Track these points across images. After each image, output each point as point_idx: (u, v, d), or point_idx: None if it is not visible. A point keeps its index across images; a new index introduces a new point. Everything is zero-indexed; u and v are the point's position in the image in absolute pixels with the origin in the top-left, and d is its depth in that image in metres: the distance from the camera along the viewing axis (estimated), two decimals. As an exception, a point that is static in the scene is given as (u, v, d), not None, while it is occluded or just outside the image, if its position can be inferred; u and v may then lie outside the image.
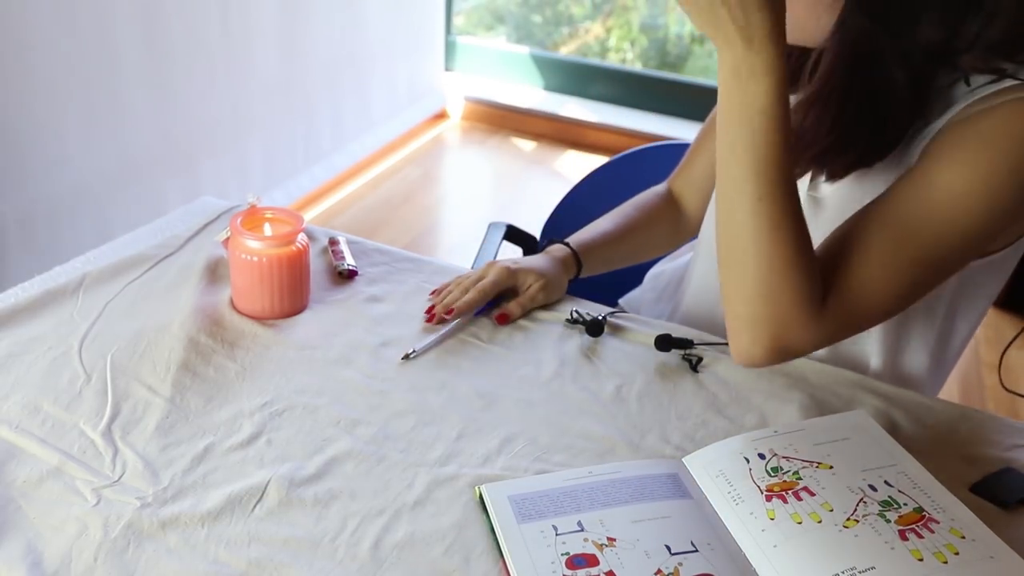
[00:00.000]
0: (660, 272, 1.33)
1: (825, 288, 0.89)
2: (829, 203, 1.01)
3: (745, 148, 0.86)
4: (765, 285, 0.86)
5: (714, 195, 0.94)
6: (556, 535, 0.75)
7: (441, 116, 3.71)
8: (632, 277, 1.38)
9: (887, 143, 0.93)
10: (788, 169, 0.86)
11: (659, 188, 1.28)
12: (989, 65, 0.88)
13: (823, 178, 0.99)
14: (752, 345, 0.88)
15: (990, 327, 2.57)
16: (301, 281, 1.03)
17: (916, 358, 1.05)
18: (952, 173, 0.87)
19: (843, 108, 0.91)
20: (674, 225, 1.27)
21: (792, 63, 1.04)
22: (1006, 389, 1.06)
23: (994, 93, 0.88)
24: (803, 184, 1.03)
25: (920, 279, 0.89)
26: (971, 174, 0.86)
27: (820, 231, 1.01)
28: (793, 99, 1.04)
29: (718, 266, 0.92)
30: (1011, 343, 1.06)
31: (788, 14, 0.93)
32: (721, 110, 0.87)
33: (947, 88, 0.92)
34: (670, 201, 1.27)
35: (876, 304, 0.90)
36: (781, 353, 0.89)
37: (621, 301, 1.36)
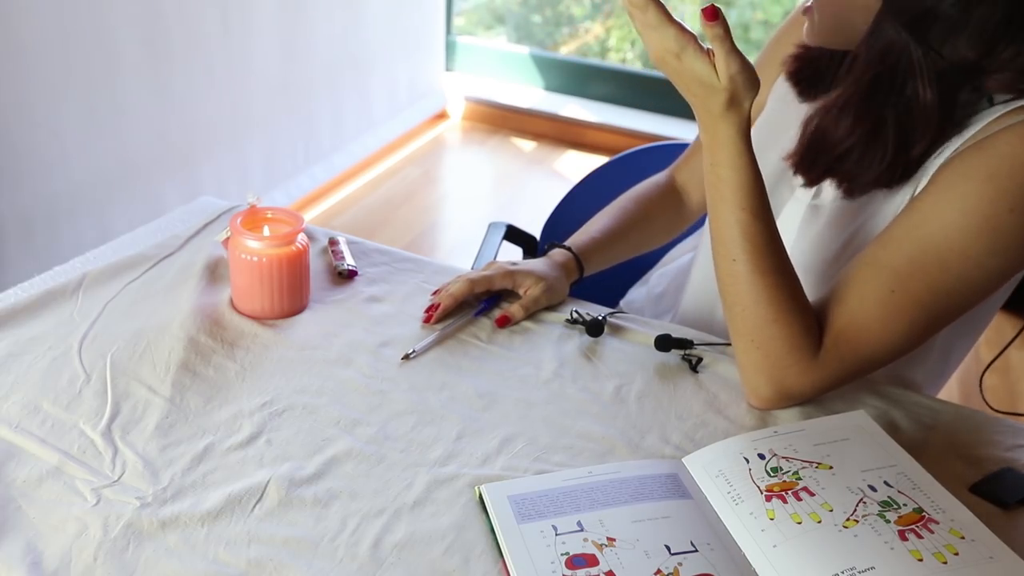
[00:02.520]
0: (662, 273, 1.33)
1: (825, 332, 0.90)
2: (827, 210, 1.01)
3: (717, 214, 0.90)
4: (756, 334, 0.90)
5: None
6: (556, 535, 0.75)
7: (441, 116, 3.70)
8: (632, 276, 1.39)
9: (910, 162, 0.91)
10: (760, 232, 0.89)
11: (659, 178, 1.27)
12: (1016, 87, 0.87)
13: (839, 191, 0.96)
14: (757, 389, 0.92)
15: (991, 327, 2.57)
16: (301, 281, 1.03)
17: (918, 367, 1.05)
18: (953, 212, 0.86)
19: (866, 117, 0.90)
20: (674, 216, 1.27)
21: (818, 65, 1.03)
22: (993, 409, 1.03)
23: (1006, 114, 0.87)
24: (807, 194, 1.03)
25: (923, 322, 0.89)
26: (973, 213, 0.85)
27: (817, 237, 1.01)
28: (812, 105, 1.03)
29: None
30: (988, 367, 1.06)
31: (820, 15, 0.92)
32: (704, 175, 0.91)
33: (962, 107, 0.90)
34: (670, 191, 1.26)
35: (877, 347, 0.90)
36: (785, 397, 0.92)
37: (622, 303, 1.36)
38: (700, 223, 1.26)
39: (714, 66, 0.82)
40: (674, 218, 1.27)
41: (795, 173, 0.99)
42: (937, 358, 1.06)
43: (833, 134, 0.92)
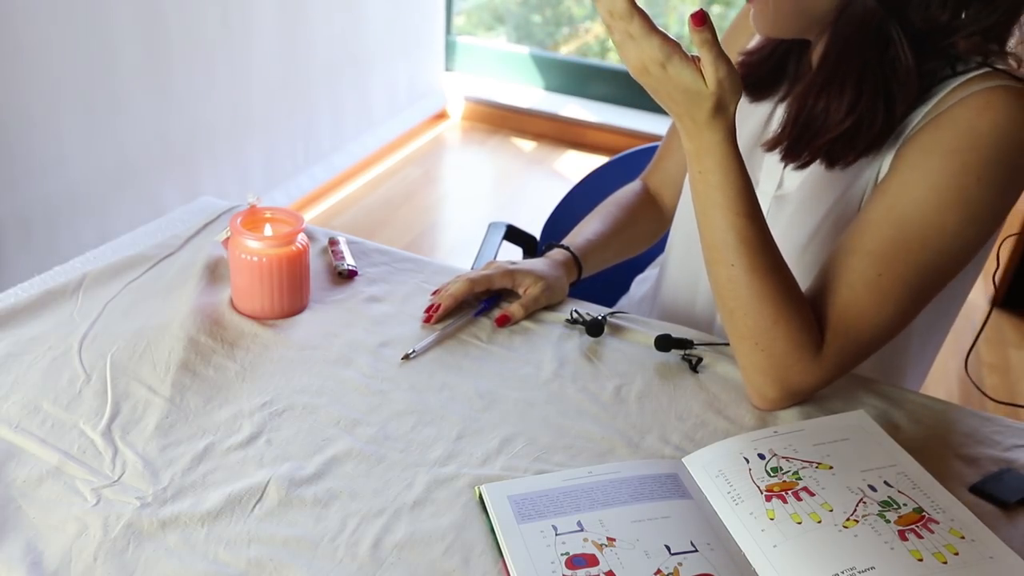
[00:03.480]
0: (645, 278, 1.35)
1: (824, 326, 0.90)
2: (793, 198, 1.02)
3: (710, 220, 0.89)
4: (758, 337, 0.90)
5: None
6: (556, 535, 0.75)
7: (441, 116, 3.71)
8: (624, 280, 1.39)
9: (894, 127, 0.92)
10: (755, 234, 0.88)
11: (634, 185, 1.30)
12: (980, 49, 0.88)
13: (823, 166, 0.97)
14: (761, 390, 0.92)
15: (991, 327, 2.57)
16: (301, 281, 1.03)
17: (901, 354, 1.06)
18: (923, 189, 0.87)
19: (854, 89, 0.90)
20: (655, 219, 1.29)
21: (763, 70, 1.04)
22: (987, 395, 1.05)
23: (960, 86, 0.88)
24: (771, 185, 1.04)
25: (911, 299, 0.90)
26: (942, 188, 0.87)
27: (785, 227, 1.02)
28: (765, 105, 1.04)
29: (721, 320, 0.94)
30: (970, 349, 1.06)
31: (774, 7, 0.92)
32: (690, 183, 0.90)
33: (928, 76, 0.91)
34: (647, 197, 1.29)
35: (873, 332, 0.90)
36: (790, 396, 0.92)
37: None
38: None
39: (700, 73, 0.81)
40: (656, 221, 1.29)
41: (783, 158, 0.98)
42: (917, 343, 1.07)
43: (821, 116, 0.92)
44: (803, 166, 0.97)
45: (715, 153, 0.86)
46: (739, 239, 0.88)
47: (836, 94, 0.91)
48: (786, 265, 0.91)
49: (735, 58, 1.07)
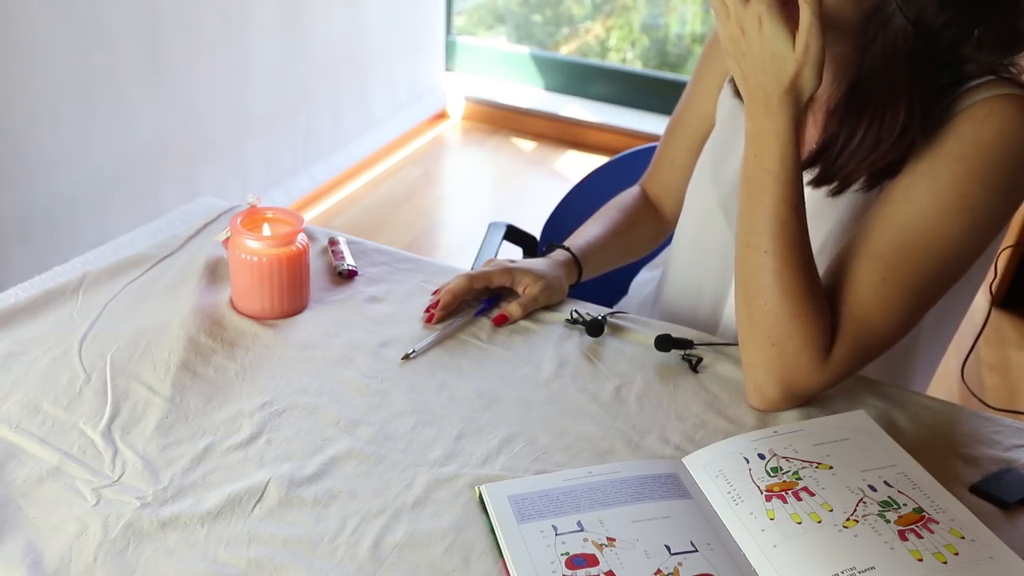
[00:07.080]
0: (644, 280, 1.35)
1: (834, 334, 0.90)
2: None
3: (755, 205, 0.89)
4: (774, 329, 0.89)
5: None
6: (556, 535, 0.75)
7: (441, 116, 3.71)
8: (624, 281, 1.39)
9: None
10: (796, 227, 0.89)
11: (634, 190, 1.30)
12: (990, 65, 0.89)
13: (861, 186, 0.96)
14: (763, 388, 0.92)
15: (991, 327, 2.57)
16: (301, 281, 1.03)
17: (910, 356, 1.06)
18: (928, 195, 0.88)
19: (910, 118, 0.89)
20: (655, 225, 1.29)
21: None
22: (988, 405, 1.04)
23: (966, 92, 0.88)
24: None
25: (916, 303, 0.90)
26: (947, 195, 0.87)
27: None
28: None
29: (735, 310, 0.93)
30: (968, 356, 1.06)
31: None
32: (741, 166, 0.90)
33: (941, 90, 0.91)
34: (647, 202, 1.29)
35: (878, 337, 0.91)
36: (791, 398, 0.92)
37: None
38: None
39: (792, 41, 0.82)
40: (656, 227, 1.29)
41: (814, 183, 0.96)
42: (925, 345, 1.07)
43: (877, 139, 0.91)
44: (837, 192, 0.96)
45: (778, 137, 0.86)
46: (781, 228, 0.88)
47: (889, 120, 0.90)
48: (815, 268, 0.91)
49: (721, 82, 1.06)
